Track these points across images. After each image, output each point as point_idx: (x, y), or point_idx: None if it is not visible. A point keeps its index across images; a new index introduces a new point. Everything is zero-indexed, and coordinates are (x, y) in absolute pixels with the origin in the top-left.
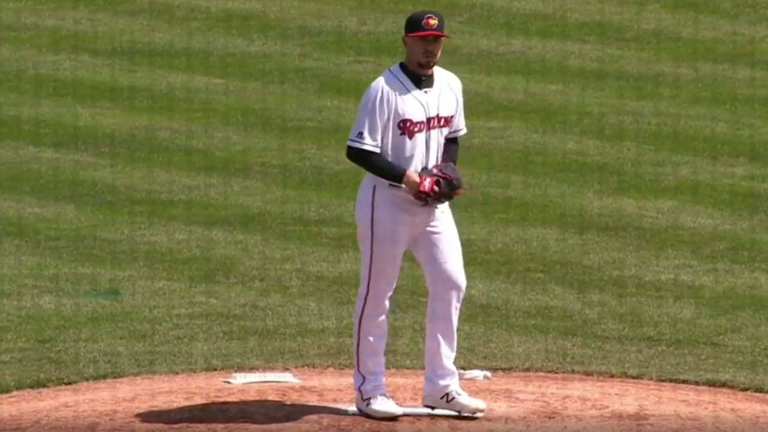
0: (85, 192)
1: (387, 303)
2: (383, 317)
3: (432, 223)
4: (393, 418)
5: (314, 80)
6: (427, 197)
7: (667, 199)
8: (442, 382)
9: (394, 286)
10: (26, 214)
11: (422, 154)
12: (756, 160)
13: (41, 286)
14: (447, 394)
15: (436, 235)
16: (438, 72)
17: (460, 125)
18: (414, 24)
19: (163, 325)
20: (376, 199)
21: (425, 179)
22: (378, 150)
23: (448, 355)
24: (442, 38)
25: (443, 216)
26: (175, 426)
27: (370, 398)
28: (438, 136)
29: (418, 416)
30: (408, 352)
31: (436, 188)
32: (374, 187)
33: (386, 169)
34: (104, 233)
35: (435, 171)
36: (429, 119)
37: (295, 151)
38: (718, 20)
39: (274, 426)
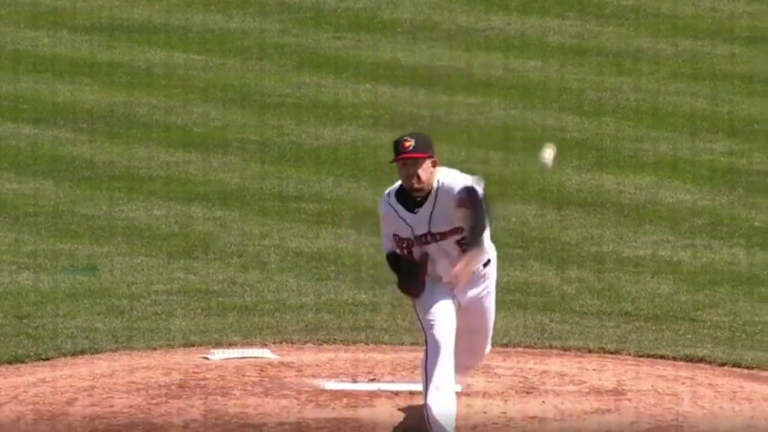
0: (63, 168)
1: (451, 344)
2: (448, 358)
3: (469, 306)
4: None
5: (293, 56)
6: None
7: (646, 175)
8: None
9: (451, 326)
10: (4, 190)
11: (429, 263)
12: (735, 135)
13: (19, 262)
14: None
15: (467, 321)
16: (438, 185)
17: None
18: (393, 149)
19: (142, 301)
20: None
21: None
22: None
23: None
24: (424, 158)
25: (480, 303)
26: (153, 402)
27: None
28: (440, 248)
29: (396, 392)
30: (386, 327)
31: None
32: None
33: (397, 270)
34: (83, 209)
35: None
36: (418, 237)
37: (274, 127)
38: None
39: (252, 401)
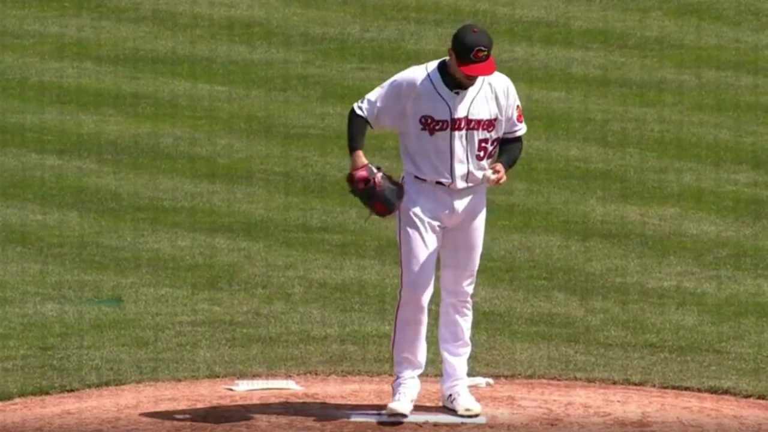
0: (88, 199)
1: (423, 306)
2: (418, 319)
3: (461, 224)
4: (400, 417)
5: (317, 87)
6: (351, 184)
7: (670, 206)
8: (447, 383)
9: (427, 288)
10: (29, 221)
11: (446, 154)
12: (759, 167)
13: (44, 293)
14: (451, 395)
15: (458, 239)
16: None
17: (515, 127)
18: (463, 53)
19: (166, 332)
20: (406, 188)
21: (362, 169)
22: (366, 119)
23: (456, 354)
24: (493, 70)
25: (473, 219)
26: None
27: (394, 394)
28: (465, 139)
29: (421, 424)
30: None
31: (362, 185)
32: (402, 177)
33: (351, 135)
34: (107, 240)
35: (379, 173)
36: (454, 120)
37: (298, 158)
38: (721, 27)
39: None
